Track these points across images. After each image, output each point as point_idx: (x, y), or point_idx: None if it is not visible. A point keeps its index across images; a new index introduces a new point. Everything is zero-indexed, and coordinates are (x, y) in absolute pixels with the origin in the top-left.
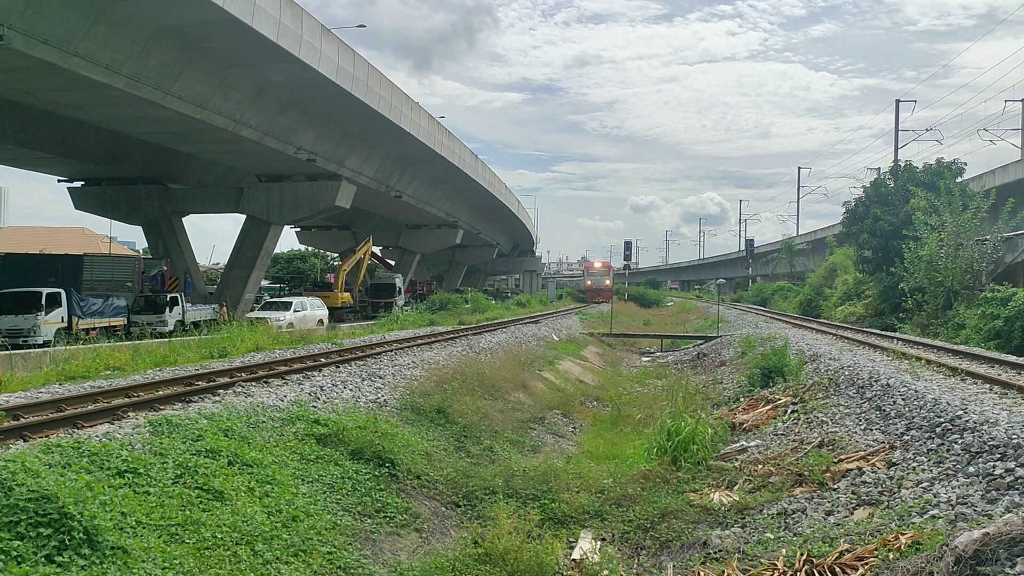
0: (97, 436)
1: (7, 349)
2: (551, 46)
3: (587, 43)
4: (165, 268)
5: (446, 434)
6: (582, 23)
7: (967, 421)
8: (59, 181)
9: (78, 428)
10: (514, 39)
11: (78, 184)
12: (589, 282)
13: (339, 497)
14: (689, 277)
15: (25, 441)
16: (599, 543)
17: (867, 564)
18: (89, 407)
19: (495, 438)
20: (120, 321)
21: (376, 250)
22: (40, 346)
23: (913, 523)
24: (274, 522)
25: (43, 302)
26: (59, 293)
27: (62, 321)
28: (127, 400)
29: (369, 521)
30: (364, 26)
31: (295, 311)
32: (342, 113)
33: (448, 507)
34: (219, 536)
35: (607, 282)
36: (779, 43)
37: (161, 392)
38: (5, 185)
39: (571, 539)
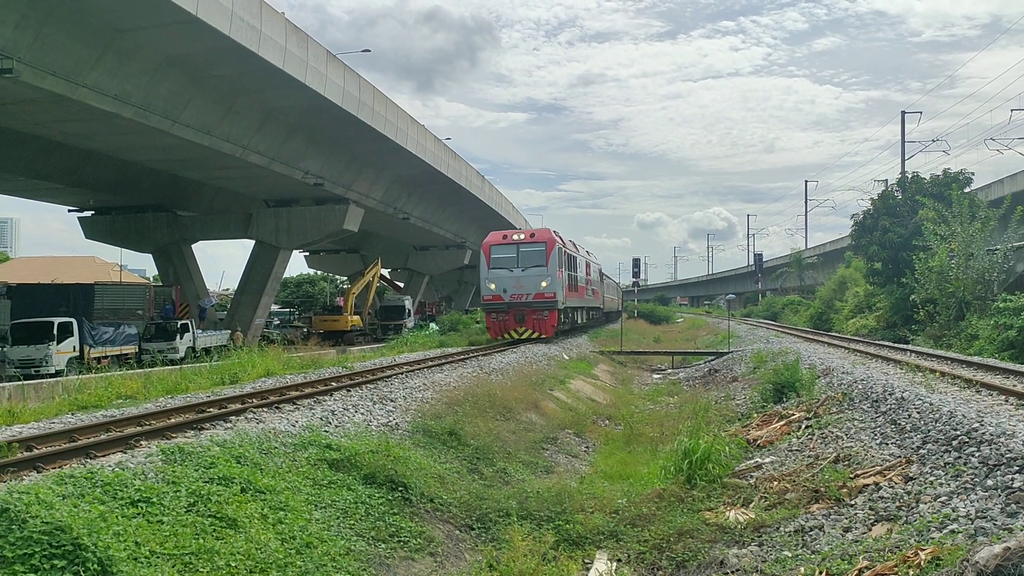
0: (110, 466)
1: (20, 379)
2: (555, 66)
3: (591, 62)
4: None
5: (459, 456)
6: (585, 42)
7: (984, 434)
8: (69, 211)
9: (91, 458)
10: (518, 59)
11: (88, 213)
12: (492, 285)
13: (353, 522)
14: (698, 293)
15: (38, 472)
16: (615, 564)
17: None
18: (102, 437)
19: (508, 459)
20: (132, 349)
21: (385, 272)
22: (52, 376)
23: (932, 538)
24: (288, 549)
25: (55, 332)
26: (71, 322)
27: (74, 350)
28: (139, 429)
29: (383, 546)
30: (369, 51)
31: None
32: (349, 137)
33: (462, 530)
34: (233, 564)
35: (543, 284)
36: (783, 57)
37: (173, 420)
38: (16, 216)
39: (586, 560)
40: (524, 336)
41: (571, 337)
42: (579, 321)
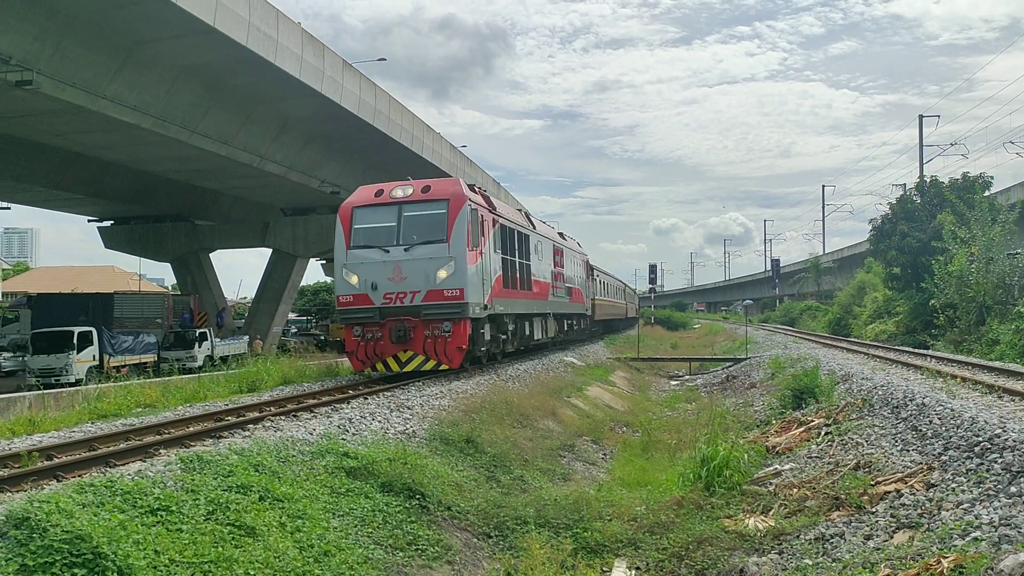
0: (129, 474)
1: (40, 388)
2: (570, 72)
3: (606, 68)
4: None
5: (476, 464)
6: (600, 49)
7: (1006, 440)
8: (89, 221)
9: (111, 467)
10: (533, 67)
11: (107, 223)
12: (353, 277)
13: (370, 530)
14: (715, 299)
15: (59, 481)
16: (633, 572)
17: None
18: (121, 445)
19: (525, 467)
20: (150, 358)
21: None
22: (72, 385)
23: (955, 546)
24: (306, 557)
25: (75, 341)
26: (90, 332)
27: (93, 359)
28: (158, 437)
29: (401, 554)
30: (384, 59)
31: None
32: (365, 145)
33: (479, 538)
34: (252, 573)
35: (441, 273)
36: (799, 62)
37: (192, 428)
38: (36, 226)
39: (605, 568)
40: (409, 367)
41: (588, 343)
42: (537, 336)
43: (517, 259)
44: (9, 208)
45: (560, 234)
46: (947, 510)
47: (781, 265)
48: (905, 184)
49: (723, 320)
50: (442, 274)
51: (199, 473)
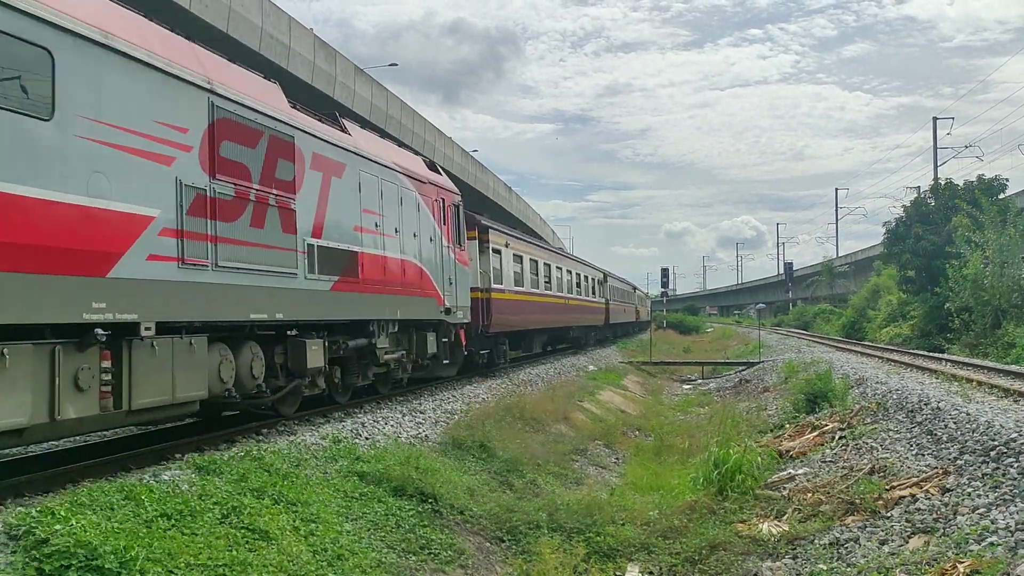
0: (145, 478)
1: None
2: (582, 76)
3: (618, 72)
4: None
5: (488, 468)
6: (612, 52)
7: (1023, 444)
8: None
9: (126, 471)
10: (545, 71)
11: None
12: None
13: (383, 534)
14: (728, 302)
15: (74, 485)
16: None
17: None
18: (136, 450)
19: (538, 471)
20: None
21: None
22: None
23: (971, 551)
24: (319, 561)
25: None
26: None
27: None
28: (173, 441)
29: (413, 558)
30: (396, 64)
31: None
32: None
33: (492, 542)
34: None
35: None
36: (811, 65)
37: (206, 433)
38: None
39: (618, 573)
40: None
41: (599, 348)
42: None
43: None
44: None
45: (405, 166)
46: (963, 515)
47: (794, 268)
48: (919, 187)
49: (736, 324)
50: None
51: (213, 477)
